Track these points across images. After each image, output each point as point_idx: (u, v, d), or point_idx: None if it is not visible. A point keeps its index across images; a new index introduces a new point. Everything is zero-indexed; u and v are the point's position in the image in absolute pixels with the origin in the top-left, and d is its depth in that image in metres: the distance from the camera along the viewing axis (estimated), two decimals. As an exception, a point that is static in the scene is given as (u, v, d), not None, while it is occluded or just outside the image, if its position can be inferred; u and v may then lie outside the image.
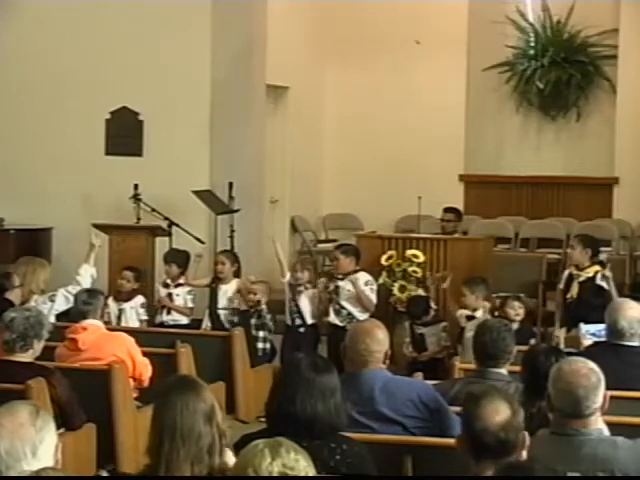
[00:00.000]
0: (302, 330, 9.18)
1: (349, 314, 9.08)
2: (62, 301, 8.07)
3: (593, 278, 9.14)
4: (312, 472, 3.13)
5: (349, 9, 14.02)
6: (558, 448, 4.07)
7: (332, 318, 9.16)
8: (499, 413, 3.75)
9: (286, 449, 3.11)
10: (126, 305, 9.08)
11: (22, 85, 11.49)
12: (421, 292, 9.57)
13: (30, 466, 3.29)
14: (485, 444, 3.71)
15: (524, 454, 3.76)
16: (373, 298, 9.11)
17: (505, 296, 8.94)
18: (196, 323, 9.36)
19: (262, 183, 12.34)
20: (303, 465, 3.11)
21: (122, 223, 10.49)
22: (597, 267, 9.25)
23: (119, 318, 9.03)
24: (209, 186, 10.94)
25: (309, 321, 9.21)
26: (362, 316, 8.94)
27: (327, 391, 4.22)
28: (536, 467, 3.71)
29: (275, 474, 3.07)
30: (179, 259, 9.49)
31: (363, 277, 9.15)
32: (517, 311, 8.40)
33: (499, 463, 3.66)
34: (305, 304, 9.20)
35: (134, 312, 9.07)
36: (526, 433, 3.79)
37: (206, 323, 9.30)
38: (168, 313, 9.34)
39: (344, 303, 9.11)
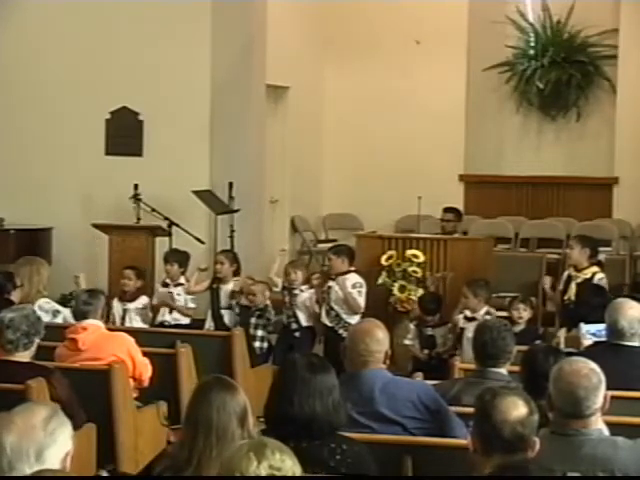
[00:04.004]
0: (297, 335, 9.17)
1: (337, 315, 9.07)
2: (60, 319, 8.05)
3: (590, 279, 9.15)
4: (299, 471, 3.12)
5: (349, 9, 14.03)
6: (558, 448, 4.07)
7: (323, 318, 9.16)
8: (518, 408, 3.78)
9: (271, 450, 3.09)
10: (130, 306, 9.08)
11: (22, 85, 11.49)
12: (421, 292, 9.56)
13: (32, 468, 3.29)
14: (501, 436, 3.72)
15: (530, 456, 3.78)
16: (360, 301, 9.02)
17: (513, 296, 8.95)
18: (197, 323, 9.36)
19: (262, 183, 12.34)
20: (289, 465, 3.09)
21: (122, 223, 10.50)
22: (595, 268, 9.25)
23: (123, 319, 9.04)
24: (209, 186, 10.95)
25: (304, 323, 9.20)
26: (349, 318, 8.93)
27: (324, 390, 4.22)
28: (531, 467, 3.71)
29: (263, 476, 3.05)
30: (181, 258, 9.49)
31: (352, 279, 9.09)
32: (521, 313, 8.40)
33: (507, 459, 3.67)
34: (301, 308, 9.19)
35: (138, 313, 9.08)
36: (537, 439, 3.80)
37: (209, 324, 9.31)
38: (169, 312, 9.32)
39: (332, 304, 9.10)
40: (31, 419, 3.39)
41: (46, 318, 7.64)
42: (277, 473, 3.05)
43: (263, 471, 3.04)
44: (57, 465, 3.36)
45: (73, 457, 3.45)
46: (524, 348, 5.76)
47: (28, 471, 3.29)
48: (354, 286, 9.05)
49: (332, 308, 9.09)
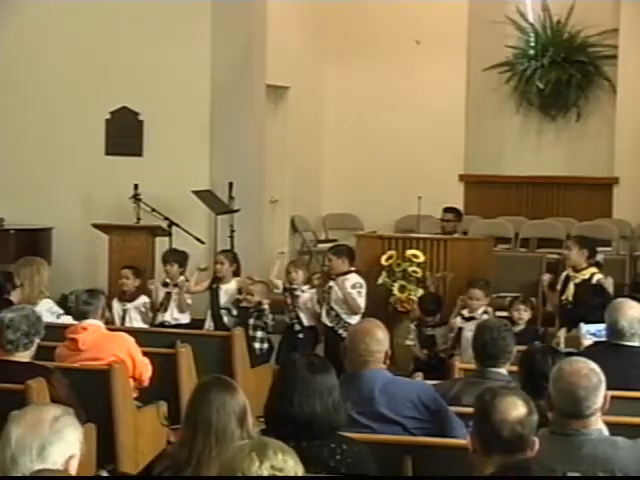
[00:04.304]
0: (301, 336, 9.17)
1: (337, 315, 9.07)
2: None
3: (589, 280, 9.15)
4: (301, 471, 3.10)
5: (349, 9, 14.03)
6: (558, 448, 4.07)
7: (323, 318, 9.16)
8: (517, 408, 3.78)
9: (273, 450, 3.08)
10: (130, 305, 9.09)
11: (22, 85, 11.49)
12: (421, 292, 9.56)
13: (33, 464, 3.32)
14: (501, 437, 3.72)
15: (530, 455, 3.78)
16: (360, 301, 9.00)
17: (514, 296, 8.94)
18: (197, 323, 9.37)
19: (262, 183, 12.34)
20: (291, 465, 3.08)
21: (122, 223, 10.50)
22: (593, 269, 9.26)
23: (123, 319, 9.04)
24: (209, 186, 10.94)
25: (306, 323, 9.21)
26: (349, 318, 8.91)
27: (324, 390, 4.22)
28: (533, 467, 3.71)
29: (265, 476, 3.04)
30: (180, 258, 9.49)
31: (352, 279, 9.07)
32: (521, 314, 8.42)
33: (507, 459, 3.67)
34: (302, 309, 9.19)
35: (137, 312, 9.08)
36: (536, 439, 3.79)
37: (209, 324, 9.31)
38: (165, 310, 9.30)
39: (332, 304, 9.10)
40: (40, 415, 3.44)
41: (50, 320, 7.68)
42: (279, 473, 3.04)
43: (265, 471, 3.03)
44: (60, 464, 3.37)
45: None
46: (524, 348, 5.76)
47: (29, 465, 3.32)
48: (354, 286, 9.04)
49: (332, 308, 9.08)
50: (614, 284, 9.24)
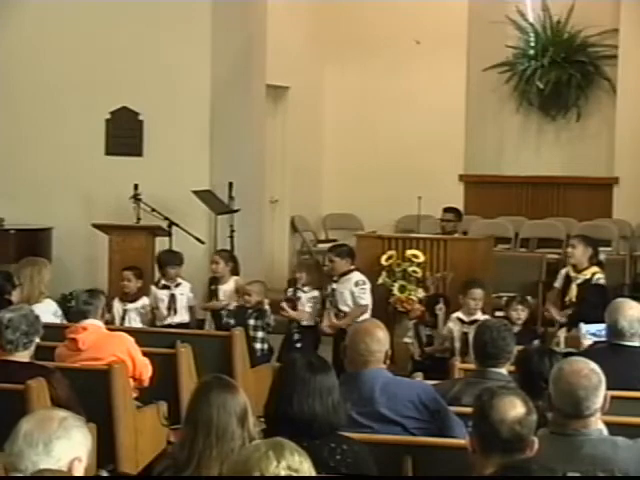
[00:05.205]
0: (299, 345, 9.12)
1: (345, 316, 9.06)
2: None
3: (590, 279, 9.14)
4: (314, 474, 3.12)
5: (349, 9, 14.02)
6: (558, 448, 4.07)
7: (332, 320, 9.14)
8: (515, 407, 3.78)
9: (290, 451, 3.08)
10: (130, 306, 9.08)
11: (22, 85, 11.49)
12: (421, 292, 9.56)
13: (39, 457, 3.35)
14: (499, 436, 3.72)
15: (529, 455, 3.77)
16: (365, 298, 9.04)
17: (511, 297, 8.93)
18: (197, 323, 9.36)
19: (262, 183, 12.34)
20: (307, 467, 3.09)
21: (122, 223, 10.50)
22: (595, 268, 9.26)
23: (123, 319, 9.03)
24: (209, 186, 10.94)
25: (305, 323, 9.19)
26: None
27: (324, 390, 4.22)
28: (533, 467, 3.71)
29: (282, 476, 3.05)
30: (182, 259, 9.47)
31: (354, 277, 9.09)
32: (520, 314, 8.41)
33: (507, 459, 3.67)
34: (304, 307, 9.18)
35: (137, 314, 9.07)
36: (535, 438, 3.79)
37: (209, 324, 9.29)
38: (175, 313, 9.27)
39: (339, 306, 9.08)
40: (52, 413, 3.51)
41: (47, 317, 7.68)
42: (294, 474, 3.04)
43: (282, 471, 3.02)
44: (63, 462, 3.38)
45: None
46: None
47: (34, 458, 3.35)
48: (357, 284, 9.05)
49: (340, 310, 9.09)
50: (614, 284, 9.24)
